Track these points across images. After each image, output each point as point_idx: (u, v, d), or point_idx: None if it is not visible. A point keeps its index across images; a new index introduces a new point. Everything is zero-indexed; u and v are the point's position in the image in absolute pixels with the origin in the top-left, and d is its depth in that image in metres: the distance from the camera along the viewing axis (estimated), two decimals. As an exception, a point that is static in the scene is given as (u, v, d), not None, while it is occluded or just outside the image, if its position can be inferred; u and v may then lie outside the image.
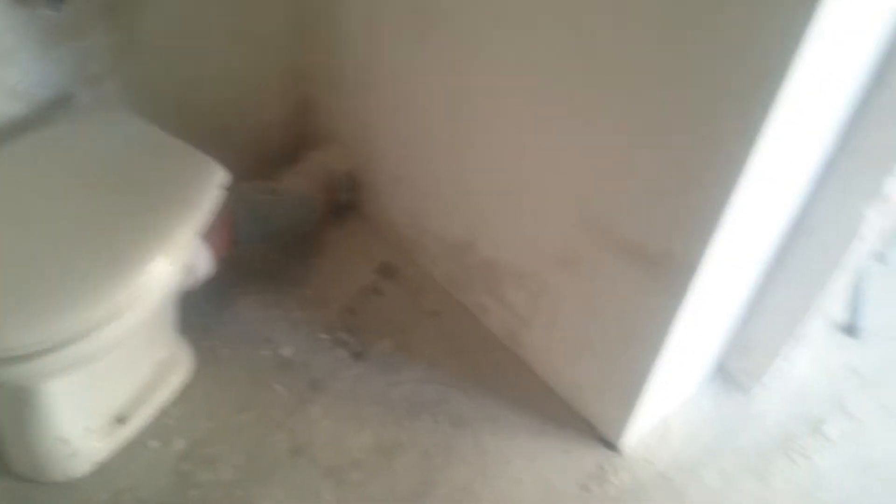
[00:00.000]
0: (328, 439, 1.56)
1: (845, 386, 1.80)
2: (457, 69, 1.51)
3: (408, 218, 1.91)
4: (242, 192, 1.43)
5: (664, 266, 1.24)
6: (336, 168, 1.93)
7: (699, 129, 1.06)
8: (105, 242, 1.22)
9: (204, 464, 1.50)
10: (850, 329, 1.92)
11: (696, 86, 1.04)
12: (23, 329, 1.10)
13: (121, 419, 1.50)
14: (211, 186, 1.33)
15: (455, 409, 1.64)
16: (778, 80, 0.92)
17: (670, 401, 1.66)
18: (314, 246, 1.97)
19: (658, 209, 1.21)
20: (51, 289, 1.15)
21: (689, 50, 1.04)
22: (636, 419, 1.53)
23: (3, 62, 1.34)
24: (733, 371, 1.75)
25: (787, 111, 0.97)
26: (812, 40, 0.89)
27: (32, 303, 1.13)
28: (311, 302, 1.83)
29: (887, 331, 1.93)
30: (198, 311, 1.73)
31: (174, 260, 1.27)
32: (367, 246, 2.00)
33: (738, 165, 1.02)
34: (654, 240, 1.24)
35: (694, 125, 1.07)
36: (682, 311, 1.26)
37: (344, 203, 2.00)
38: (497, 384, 1.70)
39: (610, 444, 1.60)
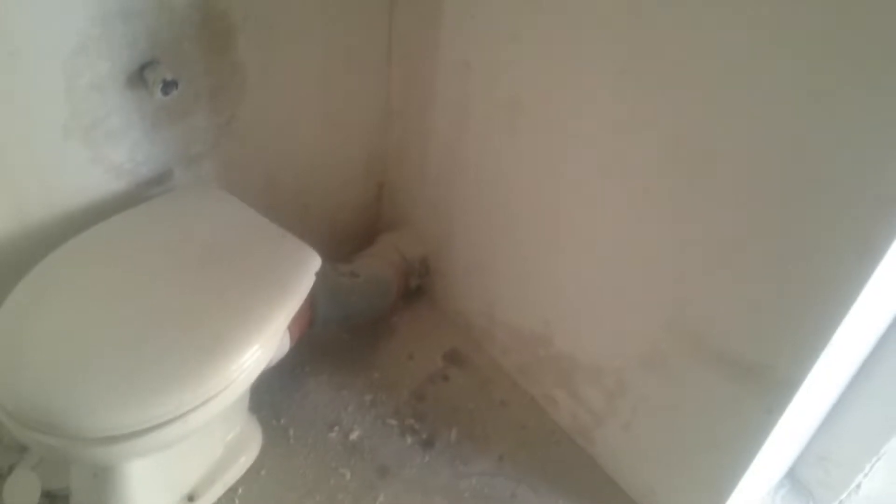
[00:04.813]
0: (396, 530, 1.54)
1: (921, 502, 1.75)
2: (545, 163, 1.50)
3: (479, 306, 1.91)
4: (325, 275, 1.44)
5: (763, 380, 1.21)
6: (409, 252, 1.94)
7: (820, 247, 1.05)
8: (203, 325, 1.22)
9: (270, 549, 1.48)
10: (924, 442, 1.87)
11: (820, 204, 1.02)
12: (117, 411, 1.09)
13: (191, 498, 1.49)
14: (308, 274, 1.35)
15: (524, 506, 1.61)
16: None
17: (741, 506, 1.62)
18: (383, 328, 1.98)
19: (765, 322, 1.18)
20: (148, 372, 1.14)
21: (814, 162, 1.01)
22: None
23: (113, 142, 1.38)
24: (807, 480, 1.70)
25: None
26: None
27: (129, 385, 1.12)
28: (380, 385, 1.83)
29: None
30: (268, 388, 1.73)
31: (266, 346, 1.27)
32: (435, 331, 2.00)
33: (859, 285, 1.01)
34: (755, 353, 1.21)
35: (815, 243, 1.05)
36: (777, 427, 1.23)
37: (414, 287, 2.01)
38: (566, 481, 1.67)
39: (682, 551, 1.56)
